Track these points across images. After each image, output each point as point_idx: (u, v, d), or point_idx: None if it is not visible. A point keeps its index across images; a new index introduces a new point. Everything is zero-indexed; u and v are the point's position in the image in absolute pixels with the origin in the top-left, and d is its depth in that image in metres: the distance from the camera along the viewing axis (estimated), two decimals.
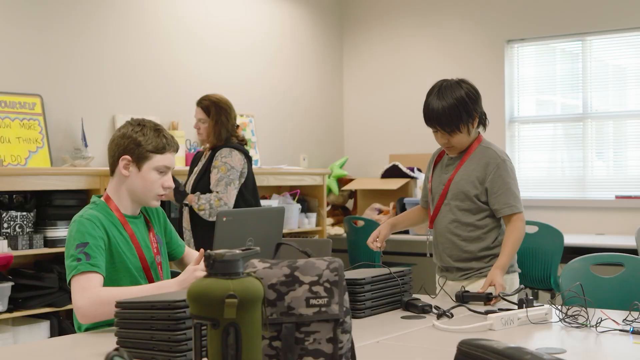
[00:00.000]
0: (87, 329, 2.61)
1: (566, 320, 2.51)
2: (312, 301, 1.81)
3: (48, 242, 4.56)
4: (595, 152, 6.44)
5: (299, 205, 6.21)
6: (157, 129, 2.72)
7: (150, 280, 2.71)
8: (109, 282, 2.58)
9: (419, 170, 6.67)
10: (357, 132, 7.59)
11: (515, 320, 2.49)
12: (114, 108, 5.53)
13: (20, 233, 4.45)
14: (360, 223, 6.30)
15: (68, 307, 4.55)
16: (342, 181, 7.19)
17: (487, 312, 2.65)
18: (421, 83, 7.04)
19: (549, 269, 5.18)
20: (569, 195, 6.47)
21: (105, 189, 4.72)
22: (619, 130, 6.41)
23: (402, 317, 2.68)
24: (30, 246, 4.47)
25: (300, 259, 1.88)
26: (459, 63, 6.89)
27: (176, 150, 2.77)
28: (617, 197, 6.16)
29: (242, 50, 6.55)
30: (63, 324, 4.59)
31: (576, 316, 2.52)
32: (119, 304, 2.14)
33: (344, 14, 7.67)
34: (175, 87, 5.99)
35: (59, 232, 4.58)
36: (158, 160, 2.69)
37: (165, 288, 2.44)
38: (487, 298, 2.85)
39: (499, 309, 2.67)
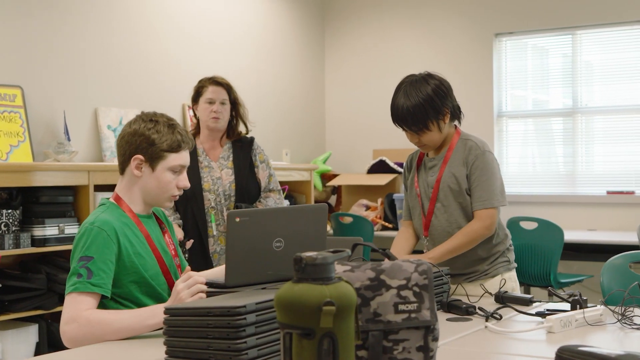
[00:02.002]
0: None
1: (624, 321, 2.39)
2: (401, 307, 1.66)
3: (36, 241, 4.32)
4: (586, 147, 6.39)
5: (287, 202, 6.04)
6: (171, 125, 2.53)
7: (171, 284, 2.52)
8: (120, 295, 2.41)
9: None
10: (339, 127, 7.43)
11: (573, 321, 2.37)
12: (96, 100, 5.29)
13: (6, 232, 4.20)
14: (348, 219, 6.16)
15: (58, 309, 4.33)
16: (325, 177, 7.04)
17: (537, 314, 2.52)
18: None
19: (549, 265, 5.10)
20: (560, 190, 6.41)
21: (93, 185, 4.64)
22: (610, 125, 6.36)
23: (448, 320, 2.53)
24: (17, 246, 4.23)
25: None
26: (446, 57, 6.78)
27: (191, 146, 2.59)
28: (608, 192, 6.12)
29: (225, 43, 6.35)
30: (52, 327, 4.36)
31: (630, 316, 2.42)
32: (167, 311, 1.95)
33: (326, 4, 7.50)
34: (159, 79, 5.78)
35: (47, 230, 4.35)
36: (173, 159, 2.51)
37: (158, 314, 2.22)
38: (529, 301, 2.72)
39: (546, 310, 2.54)
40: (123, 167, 2.53)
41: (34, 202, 4.41)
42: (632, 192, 6.03)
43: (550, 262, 5.08)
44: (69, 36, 5.12)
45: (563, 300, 2.63)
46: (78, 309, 2.27)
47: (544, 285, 5.32)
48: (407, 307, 1.65)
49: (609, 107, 6.33)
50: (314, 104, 7.43)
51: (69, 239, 4.46)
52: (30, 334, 4.25)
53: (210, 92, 3.99)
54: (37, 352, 4.26)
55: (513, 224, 5.42)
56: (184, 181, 2.55)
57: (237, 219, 2.29)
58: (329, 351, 1.47)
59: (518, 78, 6.70)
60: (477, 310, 2.57)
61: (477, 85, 6.59)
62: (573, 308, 2.47)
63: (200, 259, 3.89)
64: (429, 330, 1.66)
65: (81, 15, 5.21)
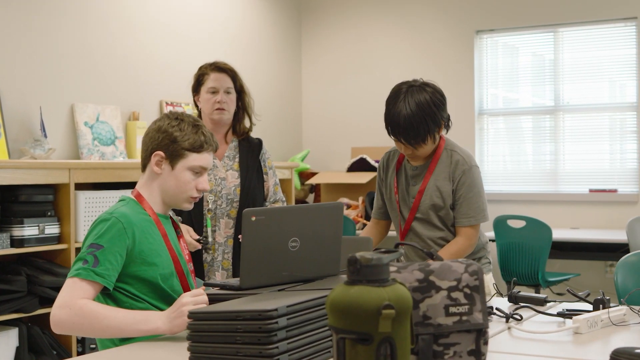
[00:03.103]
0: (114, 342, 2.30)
1: None
2: (452, 309, 1.57)
3: (15, 242, 4.16)
4: (568, 145, 6.37)
5: None
6: (196, 125, 2.46)
7: (187, 288, 2.42)
8: (125, 290, 2.30)
9: None
10: (316, 124, 7.33)
11: (599, 322, 2.30)
12: (72, 96, 5.12)
13: None
14: None
15: (38, 312, 4.17)
16: (303, 175, 6.93)
17: (559, 314, 2.45)
18: (385, 74, 6.87)
19: (537, 264, 5.06)
20: (542, 189, 6.39)
21: (74, 184, 4.48)
22: (592, 123, 6.35)
23: None
24: None
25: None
26: (426, 54, 6.72)
27: (215, 150, 2.51)
28: (591, 190, 6.11)
29: (202, 39, 6.21)
30: (33, 331, 4.20)
31: None
32: (192, 315, 1.84)
33: None
34: (137, 74, 5.62)
35: (27, 230, 4.19)
36: (194, 159, 2.43)
37: (152, 321, 2.17)
38: (544, 301, 2.64)
39: (566, 310, 2.47)
40: (144, 163, 2.47)
41: (13, 201, 4.24)
42: (615, 190, 6.03)
43: (538, 260, 5.04)
44: (43, 30, 4.94)
45: (580, 299, 2.57)
46: (74, 295, 2.19)
47: (532, 284, 5.28)
48: (458, 309, 1.56)
49: (591, 105, 6.32)
50: (291, 100, 7.31)
51: (50, 239, 4.31)
52: (10, 338, 4.08)
53: (213, 80, 3.47)
54: (17, 357, 4.10)
55: (500, 222, 5.38)
56: (204, 183, 2.46)
57: (253, 218, 2.18)
58: (386, 357, 1.37)
59: (499, 76, 6.66)
60: (495, 311, 2.49)
61: (457, 83, 6.54)
62: (596, 308, 2.40)
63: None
64: (481, 334, 1.57)
65: (57, 9, 5.04)
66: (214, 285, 2.34)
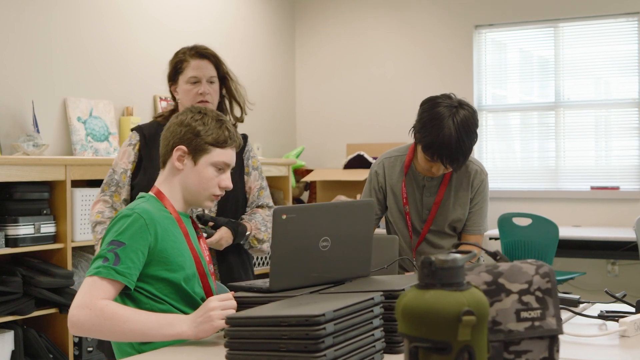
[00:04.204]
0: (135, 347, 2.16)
1: None
2: (523, 314, 1.44)
3: (9, 241, 4.01)
4: (568, 142, 6.28)
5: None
6: (219, 120, 2.34)
7: (208, 290, 2.29)
8: (145, 291, 2.17)
9: None
10: (311, 120, 7.19)
11: None
12: (64, 91, 4.96)
13: None
14: None
15: (35, 314, 4.02)
16: (298, 172, 6.80)
17: (600, 316, 2.34)
18: (381, 70, 6.75)
19: (543, 261, 4.96)
20: (542, 186, 6.29)
21: (70, 180, 4.32)
22: (593, 119, 6.27)
23: None
24: None
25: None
26: (424, 49, 6.60)
27: (239, 147, 2.38)
28: (592, 187, 6.03)
29: (195, 33, 6.05)
30: (29, 334, 4.05)
31: None
32: (230, 320, 1.70)
33: None
34: (130, 69, 5.47)
35: (22, 229, 4.04)
36: (217, 154, 2.31)
37: (177, 325, 2.03)
38: (577, 302, 2.53)
39: (605, 312, 2.36)
40: (165, 159, 2.34)
41: (7, 199, 4.08)
42: (617, 188, 5.95)
43: (544, 259, 4.94)
44: (35, 23, 4.78)
45: (617, 300, 2.47)
46: (95, 296, 2.04)
47: None
48: (529, 314, 1.44)
49: (592, 102, 6.24)
50: (285, 96, 7.18)
51: (46, 239, 4.15)
52: (6, 342, 3.93)
53: (194, 68, 3.00)
54: None
55: (505, 220, 5.28)
56: (227, 181, 2.33)
57: (284, 216, 2.05)
58: None
59: (498, 71, 6.56)
60: None
61: (456, 79, 6.43)
62: (639, 310, 2.30)
63: None
64: (554, 340, 1.45)
65: (49, 2, 4.88)
66: (237, 288, 2.20)
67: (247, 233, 2.91)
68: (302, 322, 1.61)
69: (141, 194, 2.34)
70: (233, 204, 2.95)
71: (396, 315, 1.31)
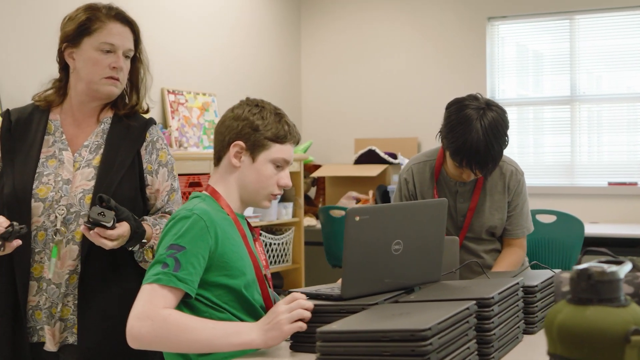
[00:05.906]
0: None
1: None
2: None
3: None
4: (585, 137, 6.16)
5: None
6: (278, 113, 2.20)
7: (267, 297, 2.13)
8: (207, 303, 2.02)
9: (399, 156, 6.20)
10: (317, 115, 7.03)
11: None
12: None
13: None
14: (339, 213, 5.77)
15: None
16: (306, 167, 6.64)
17: None
18: (389, 63, 6.60)
19: (568, 261, 4.83)
20: (558, 182, 6.17)
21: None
22: (610, 114, 6.15)
23: None
24: None
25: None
26: (435, 41, 6.45)
27: (297, 142, 2.24)
28: (609, 183, 5.91)
29: (200, 21, 5.89)
30: None
31: None
32: (322, 335, 1.55)
33: None
34: None
35: None
36: (277, 151, 2.16)
37: (245, 334, 1.88)
38: None
39: None
40: (220, 155, 2.19)
41: None
42: (635, 184, 5.83)
43: (570, 257, 4.81)
44: (42, 18, 4.61)
45: None
46: (155, 305, 1.89)
47: None
48: None
49: (609, 95, 6.12)
50: (290, 90, 7.01)
51: None
52: None
53: (111, 33, 2.41)
54: None
55: None
56: (286, 179, 2.20)
57: (357, 218, 1.91)
58: None
59: (512, 65, 6.42)
60: None
61: (468, 73, 6.30)
62: None
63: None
64: None
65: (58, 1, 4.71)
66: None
67: (144, 241, 2.28)
68: (406, 337, 1.47)
69: (194, 193, 2.18)
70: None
71: (547, 334, 1.16)
